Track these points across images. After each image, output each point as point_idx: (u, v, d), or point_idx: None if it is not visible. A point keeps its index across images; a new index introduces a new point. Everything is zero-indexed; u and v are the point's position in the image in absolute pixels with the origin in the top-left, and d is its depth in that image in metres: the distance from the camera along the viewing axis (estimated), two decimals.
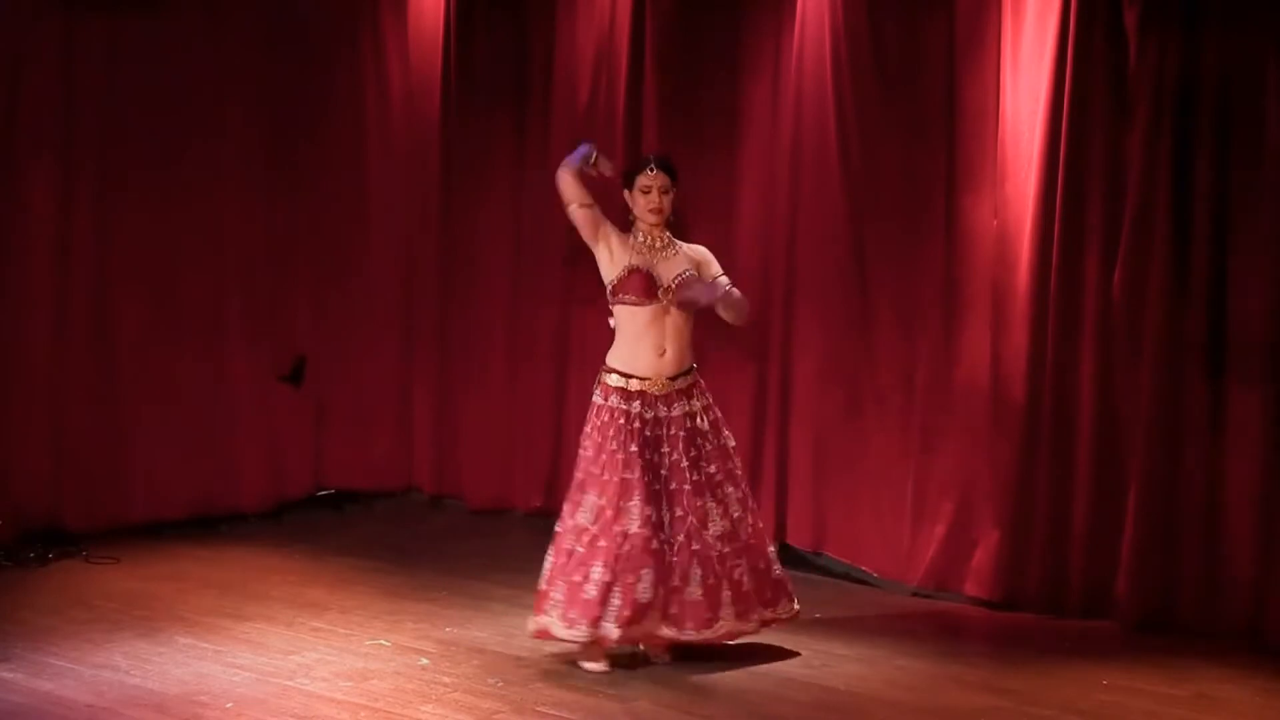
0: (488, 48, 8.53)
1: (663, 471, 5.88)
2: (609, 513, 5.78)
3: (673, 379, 5.94)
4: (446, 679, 5.72)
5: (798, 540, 7.57)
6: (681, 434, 5.92)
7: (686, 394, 5.97)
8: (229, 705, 5.35)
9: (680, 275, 5.92)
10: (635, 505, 5.78)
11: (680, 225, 6.20)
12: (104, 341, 7.75)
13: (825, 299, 7.43)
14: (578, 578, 5.78)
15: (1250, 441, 6.43)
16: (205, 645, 6.01)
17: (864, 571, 7.34)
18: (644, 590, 5.74)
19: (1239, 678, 6.00)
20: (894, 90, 7.20)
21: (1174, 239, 6.54)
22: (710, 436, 5.98)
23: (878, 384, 7.29)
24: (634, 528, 5.76)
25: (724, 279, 5.99)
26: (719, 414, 6.07)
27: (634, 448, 5.84)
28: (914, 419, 7.19)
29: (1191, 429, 6.55)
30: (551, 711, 5.40)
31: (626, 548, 5.75)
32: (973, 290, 7.03)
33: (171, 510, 7.93)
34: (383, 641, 6.15)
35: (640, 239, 5.99)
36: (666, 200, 5.97)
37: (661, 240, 6.01)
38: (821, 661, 6.07)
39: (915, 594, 7.09)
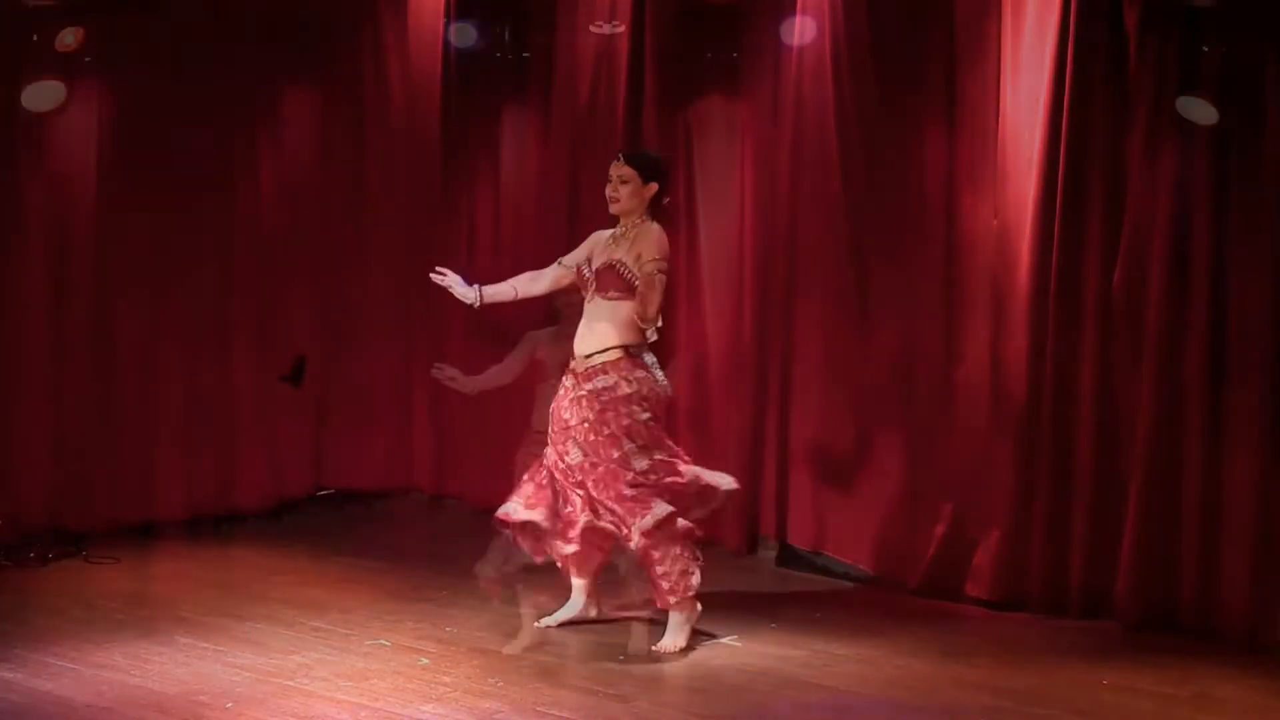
0: (488, 47, 8.52)
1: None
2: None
3: (587, 357, 6.19)
4: (446, 679, 5.72)
5: (798, 540, 7.57)
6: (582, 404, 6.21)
7: (601, 371, 6.18)
8: (229, 705, 5.35)
9: (601, 264, 6.22)
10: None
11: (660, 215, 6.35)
12: (104, 341, 7.75)
13: (825, 299, 7.42)
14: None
15: (1250, 441, 6.42)
16: (205, 645, 6.01)
17: (864, 571, 7.34)
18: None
19: (1239, 678, 6.00)
20: (894, 90, 7.20)
21: (1174, 239, 6.53)
22: (594, 421, 6.15)
23: (878, 384, 7.29)
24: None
25: (649, 267, 6.10)
26: (621, 398, 6.15)
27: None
28: (913, 419, 7.19)
29: (1191, 428, 6.55)
30: (551, 711, 5.40)
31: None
32: (973, 290, 7.03)
33: (171, 510, 7.93)
34: (383, 641, 6.16)
35: (617, 230, 6.29)
36: (623, 190, 6.21)
37: (624, 228, 6.26)
38: (821, 661, 6.08)
39: (915, 594, 7.09)
